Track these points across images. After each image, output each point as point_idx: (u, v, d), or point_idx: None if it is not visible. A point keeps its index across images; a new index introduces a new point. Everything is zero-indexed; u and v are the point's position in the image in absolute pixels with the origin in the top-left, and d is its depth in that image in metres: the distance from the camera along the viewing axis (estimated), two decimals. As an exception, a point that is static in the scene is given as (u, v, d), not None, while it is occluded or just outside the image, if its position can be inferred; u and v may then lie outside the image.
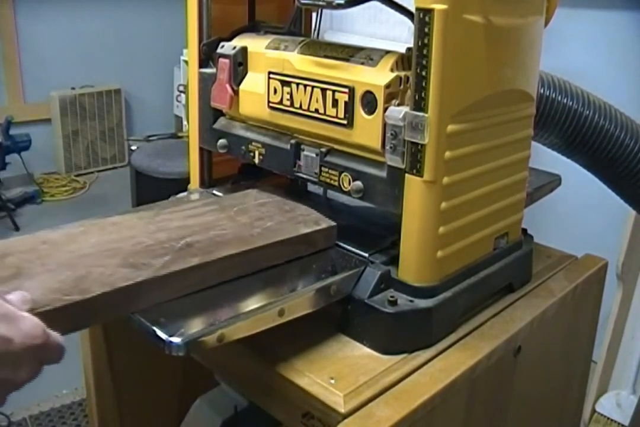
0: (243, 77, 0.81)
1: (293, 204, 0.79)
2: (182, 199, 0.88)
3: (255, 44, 0.80)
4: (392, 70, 0.66)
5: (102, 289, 0.56)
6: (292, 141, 0.76)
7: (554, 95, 0.89)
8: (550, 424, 0.94)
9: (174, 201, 0.87)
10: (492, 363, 0.69)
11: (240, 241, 0.67)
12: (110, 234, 0.67)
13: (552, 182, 0.96)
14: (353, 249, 0.73)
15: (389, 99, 0.65)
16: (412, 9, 0.61)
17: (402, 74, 0.66)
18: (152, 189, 2.37)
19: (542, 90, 0.88)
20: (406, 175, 0.64)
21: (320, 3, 0.69)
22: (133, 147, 2.70)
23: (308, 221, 0.73)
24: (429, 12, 0.59)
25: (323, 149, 0.73)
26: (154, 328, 0.56)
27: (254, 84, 0.79)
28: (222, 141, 0.85)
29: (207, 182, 0.91)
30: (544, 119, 0.89)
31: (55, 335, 0.49)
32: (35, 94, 3.33)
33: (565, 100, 0.89)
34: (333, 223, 0.74)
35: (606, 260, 0.92)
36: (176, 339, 0.55)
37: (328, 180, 0.73)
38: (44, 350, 0.48)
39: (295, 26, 0.90)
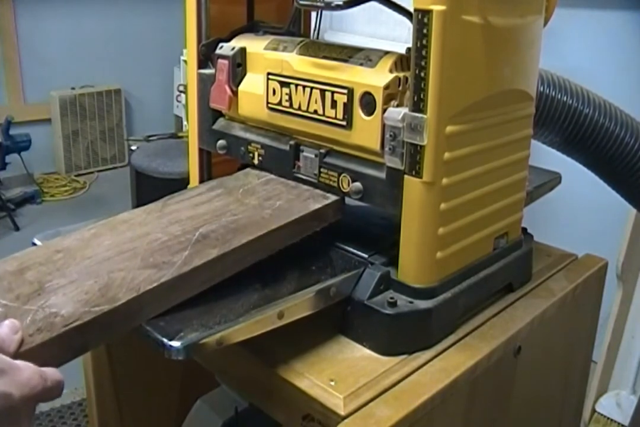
0: (242, 78, 0.81)
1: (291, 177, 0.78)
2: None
3: (254, 45, 0.80)
4: (391, 71, 0.66)
5: (129, 295, 0.55)
6: (292, 142, 0.76)
7: (553, 94, 0.89)
8: (550, 424, 0.94)
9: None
10: (492, 363, 0.69)
11: (254, 225, 0.66)
12: (122, 233, 0.66)
13: (552, 180, 0.96)
14: (352, 250, 0.73)
15: (387, 100, 0.65)
16: (411, 10, 0.61)
17: (401, 75, 0.65)
18: (152, 189, 2.37)
19: (542, 89, 0.88)
20: (405, 176, 0.64)
21: (319, 4, 0.69)
22: (133, 147, 2.70)
23: (316, 196, 0.73)
24: (427, 13, 0.59)
25: (322, 150, 0.73)
26: (154, 332, 0.56)
27: (253, 84, 0.79)
28: (221, 142, 0.85)
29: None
30: (543, 117, 0.89)
31: (52, 374, 0.47)
32: (35, 94, 3.33)
33: (565, 99, 0.89)
34: (339, 196, 0.73)
35: (606, 260, 0.92)
36: (176, 343, 0.54)
37: (327, 181, 0.73)
38: (43, 395, 0.46)
39: (295, 26, 0.90)
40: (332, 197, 0.73)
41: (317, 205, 0.71)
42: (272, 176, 0.79)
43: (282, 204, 0.71)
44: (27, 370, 0.46)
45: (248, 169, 0.83)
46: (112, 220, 0.70)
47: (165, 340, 0.55)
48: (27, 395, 0.45)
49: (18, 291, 0.56)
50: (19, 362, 0.46)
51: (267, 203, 0.71)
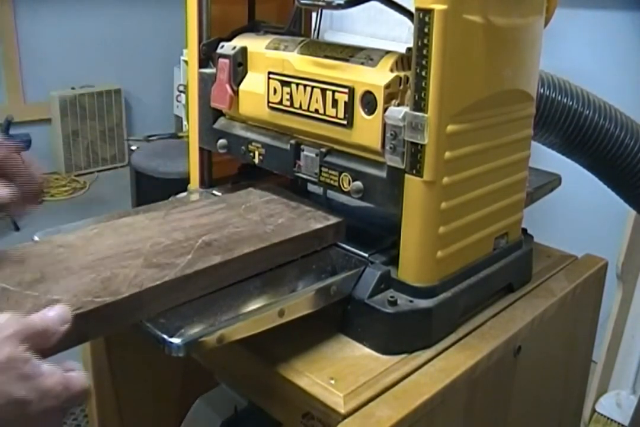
0: (243, 77, 0.81)
1: (296, 200, 0.79)
2: (182, 199, 0.87)
3: (255, 44, 0.80)
4: (391, 70, 0.66)
5: (132, 290, 0.56)
6: (292, 141, 0.76)
7: (554, 95, 0.89)
8: (550, 424, 0.94)
9: (175, 201, 0.87)
10: (492, 363, 0.69)
11: (256, 238, 0.68)
12: (125, 235, 0.67)
13: (552, 181, 0.96)
14: (353, 249, 0.73)
15: (388, 99, 0.65)
16: (412, 9, 0.61)
17: (402, 74, 0.65)
18: (152, 189, 2.37)
19: (542, 90, 0.88)
20: (406, 175, 0.64)
21: (320, 3, 0.69)
22: (133, 147, 2.70)
23: (317, 217, 0.74)
24: (428, 12, 0.59)
25: (323, 149, 0.73)
26: (154, 329, 0.56)
27: (253, 84, 0.79)
28: (222, 141, 0.85)
29: (207, 182, 0.91)
30: (544, 118, 0.89)
31: (77, 382, 0.46)
32: (35, 94, 3.33)
33: (565, 100, 0.89)
34: (340, 218, 0.74)
35: (606, 260, 0.92)
36: (176, 340, 0.55)
37: (328, 180, 0.73)
38: (65, 404, 0.45)
39: (295, 26, 0.90)
40: (334, 219, 0.74)
41: (319, 225, 0.72)
42: (274, 196, 0.81)
43: (284, 222, 0.73)
44: (51, 378, 0.44)
45: (250, 189, 0.84)
46: (114, 223, 0.71)
47: (165, 337, 0.55)
48: (47, 405, 0.43)
49: (19, 277, 0.57)
50: (45, 368, 0.44)
51: (268, 220, 0.72)
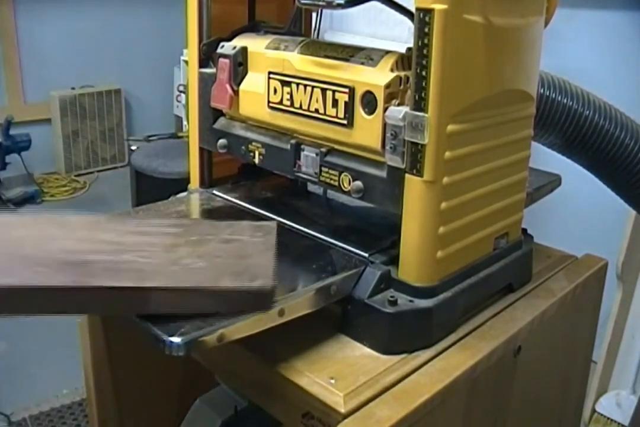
0: (243, 77, 0.81)
1: (270, 245, 0.67)
2: (182, 199, 0.88)
3: (255, 44, 0.80)
4: (392, 70, 0.66)
5: None
6: (292, 141, 0.76)
7: (554, 95, 0.89)
8: (550, 424, 0.94)
9: (172, 201, 0.86)
10: (492, 363, 0.69)
11: (138, 273, 0.59)
12: (41, 231, 0.63)
13: (552, 182, 0.96)
14: (353, 249, 0.73)
15: (389, 99, 0.65)
16: (412, 9, 0.61)
17: (402, 74, 0.66)
18: (152, 189, 2.37)
19: (542, 90, 0.88)
20: (406, 175, 0.64)
21: (320, 3, 0.69)
22: (133, 147, 2.70)
23: (245, 274, 0.60)
24: (429, 12, 0.59)
25: (323, 149, 0.73)
26: (154, 328, 0.56)
27: (254, 84, 0.79)
28: (222, 141, 0.85)
29: (207, 182, 0.91)
30: (544, 119, 0.89)
31: None
32: (35, 94, 3.33)
33: (565, 100, 0.89)
34: (271, 284, 0.60)
35: (606, 260, 0.92)
36: (176, 339, 0.54)
37: (328, 180, 0.73)
38: None
39: (295, 26, 0.90)
40: (260, 283, 0.59)
41: (227, 284, 0.59)
42: (246, 238, 0.68)
43: (200, 266, 0.61)
44: None
45: (240, 222, 0.73)
46: (58, 218, 0.68)
47: (165, 336, 0.55)
48: None
49: None
50: None
51: (191, 260, 0.62)
